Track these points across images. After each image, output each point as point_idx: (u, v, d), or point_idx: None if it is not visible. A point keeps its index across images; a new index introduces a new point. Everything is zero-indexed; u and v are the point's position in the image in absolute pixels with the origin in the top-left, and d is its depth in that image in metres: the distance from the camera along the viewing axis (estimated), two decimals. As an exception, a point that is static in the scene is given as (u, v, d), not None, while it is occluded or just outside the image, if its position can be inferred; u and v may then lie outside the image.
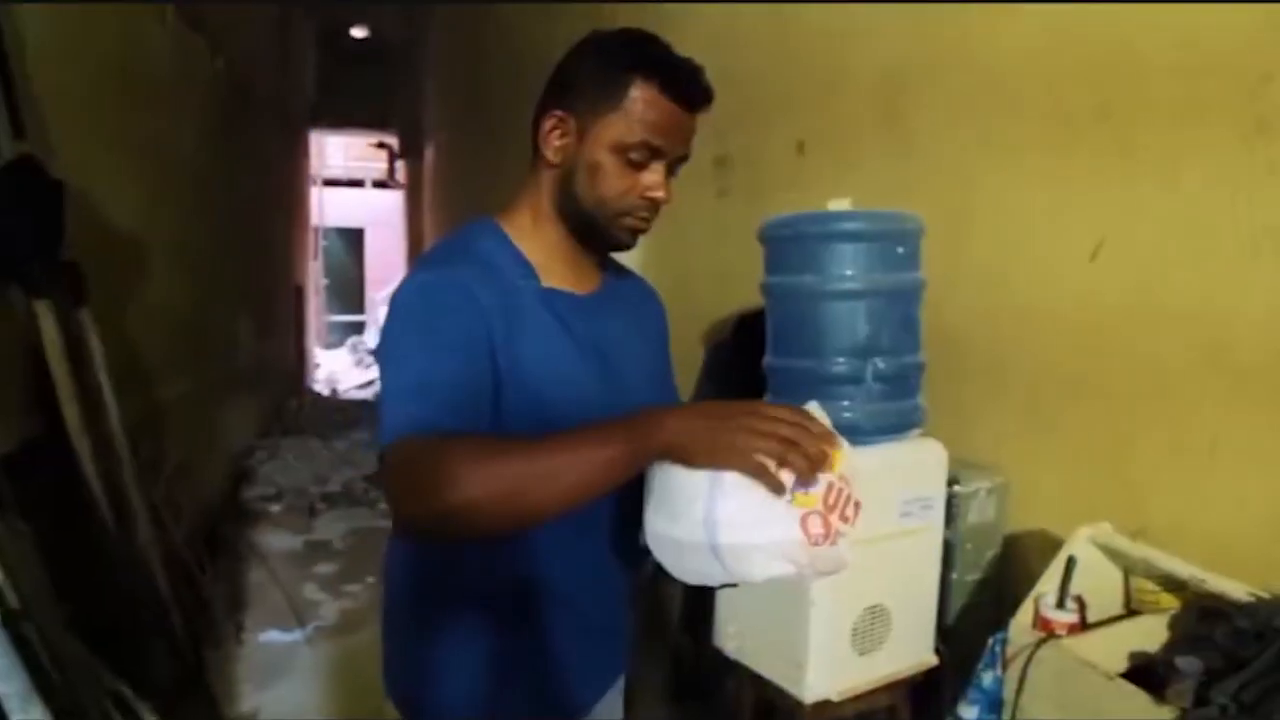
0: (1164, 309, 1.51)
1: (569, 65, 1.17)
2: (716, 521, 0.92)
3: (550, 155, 1.16)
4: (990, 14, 1.84)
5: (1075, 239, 1.64)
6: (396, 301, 1.10)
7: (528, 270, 1.17)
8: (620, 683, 1.38)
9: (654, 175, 1.13)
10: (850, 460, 0.95)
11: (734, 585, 1.02)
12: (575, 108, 1.13)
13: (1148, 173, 1.53)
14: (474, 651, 1.19)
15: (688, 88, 1.12)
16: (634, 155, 1.11)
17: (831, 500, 0.91)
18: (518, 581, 1.18)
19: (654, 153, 1.12)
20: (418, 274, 1.13)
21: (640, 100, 1.10)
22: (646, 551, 1.08)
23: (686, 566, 0.99)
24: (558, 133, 1.15)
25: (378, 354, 1.11)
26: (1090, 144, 1.63)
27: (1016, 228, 1.80)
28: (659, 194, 1.14)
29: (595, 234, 1.17)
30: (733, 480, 0.92)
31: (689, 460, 0.93)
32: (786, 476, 0.90)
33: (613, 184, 1.12)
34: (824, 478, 0.91)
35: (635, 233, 1.17)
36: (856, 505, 0.94)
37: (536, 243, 1.19)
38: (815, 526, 0.90)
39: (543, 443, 0.95)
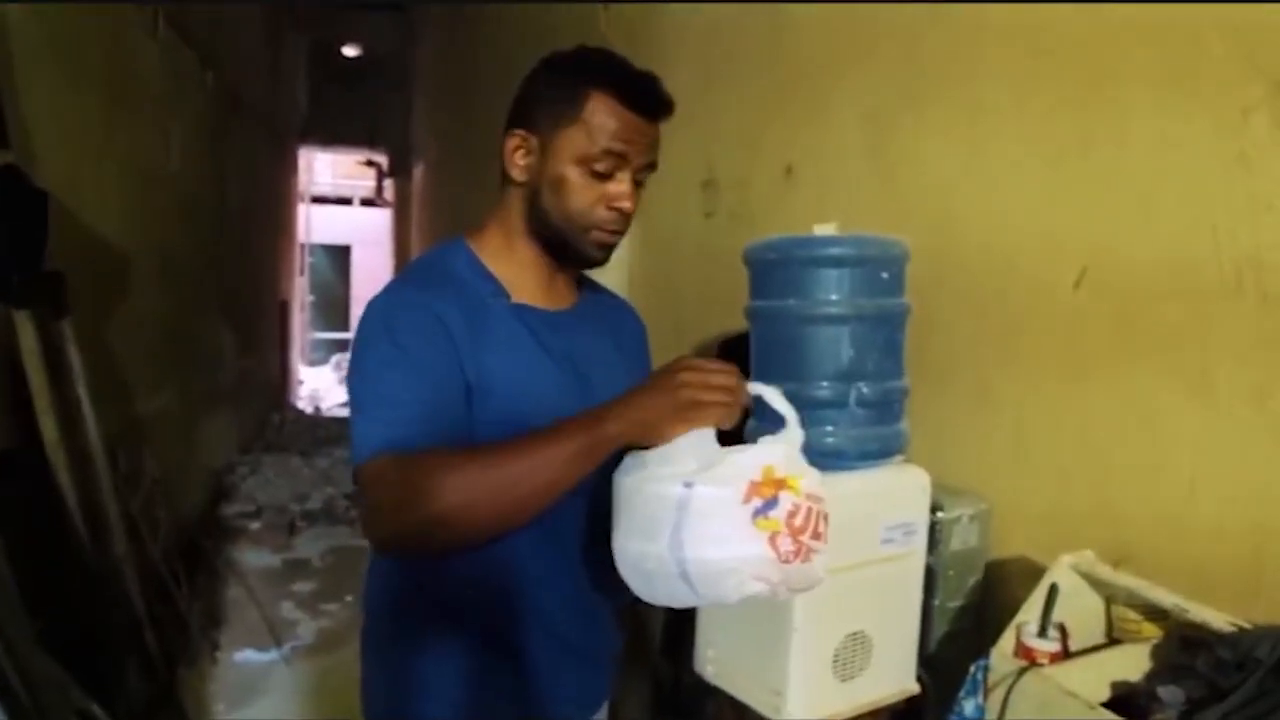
0: (1146, 338, 1.52)
1: (527, 86, 1.20)
2: (683, 545, 0.92)
3: (516, 175, 1.18)
4: (975, 44, 1.86)
5: (1059, 266, 1.65)
6: (362, 324, 1.12)
7: (496, 287, 1.18)
8: (604, 709, 1.37)
9: (619, 185, 1.14)
10: (813, 479, 0.96)
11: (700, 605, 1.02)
12: (536, 125, 1.16)
13: (1130, 203, 1.54)
14: (452, 673, 1.18)
15: (644, 95, 1.14)
16: (598, 166, 1.12)
17: (799, 522, 0.91)
18: (498, 604, 1.17)
19: (617, 161, 1.13)
20: (381, 296, 1.15)
21: (598, 110, 1.12)
22: None
23: (656, 590, 1.00)
24: (521, 151, 1.17)
25: (347, 375, 1.12)
26: (1073, 174, 1.64)
27: (1001, 254, 1.81)
28: (625, 204, 1.14)
29: (566, 249, 1.18)
30: (699, 502, 0.92)
31: (646, 441, 0.98)
32: (753, 501, 0.91)
33: (579, 197, 1.14)
34: (786, 499, 0.91)
35: (604, 246, 1.18)
36: (825, 519, 0.94)
37: (507, 261, 1.20)
38: (785, 545, 0.90)
39: (506, 448, 1.00)
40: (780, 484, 0.93)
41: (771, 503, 0.92)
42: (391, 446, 1.00)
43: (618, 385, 1.27)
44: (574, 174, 1.13)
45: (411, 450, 0.99)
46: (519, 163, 1.17)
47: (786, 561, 0.91)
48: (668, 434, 0.97)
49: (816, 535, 0.93)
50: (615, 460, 1.06)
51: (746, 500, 0.92)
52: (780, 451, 0.98)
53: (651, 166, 1.18)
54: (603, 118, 1.12)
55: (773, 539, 0.90)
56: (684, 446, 0.99)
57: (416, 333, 1.08)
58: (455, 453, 1.01)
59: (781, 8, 2.52)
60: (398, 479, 0.97)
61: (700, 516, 0.92)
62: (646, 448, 1.00)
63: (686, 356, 1.01)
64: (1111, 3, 1.56)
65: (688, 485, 0.93)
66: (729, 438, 1.03)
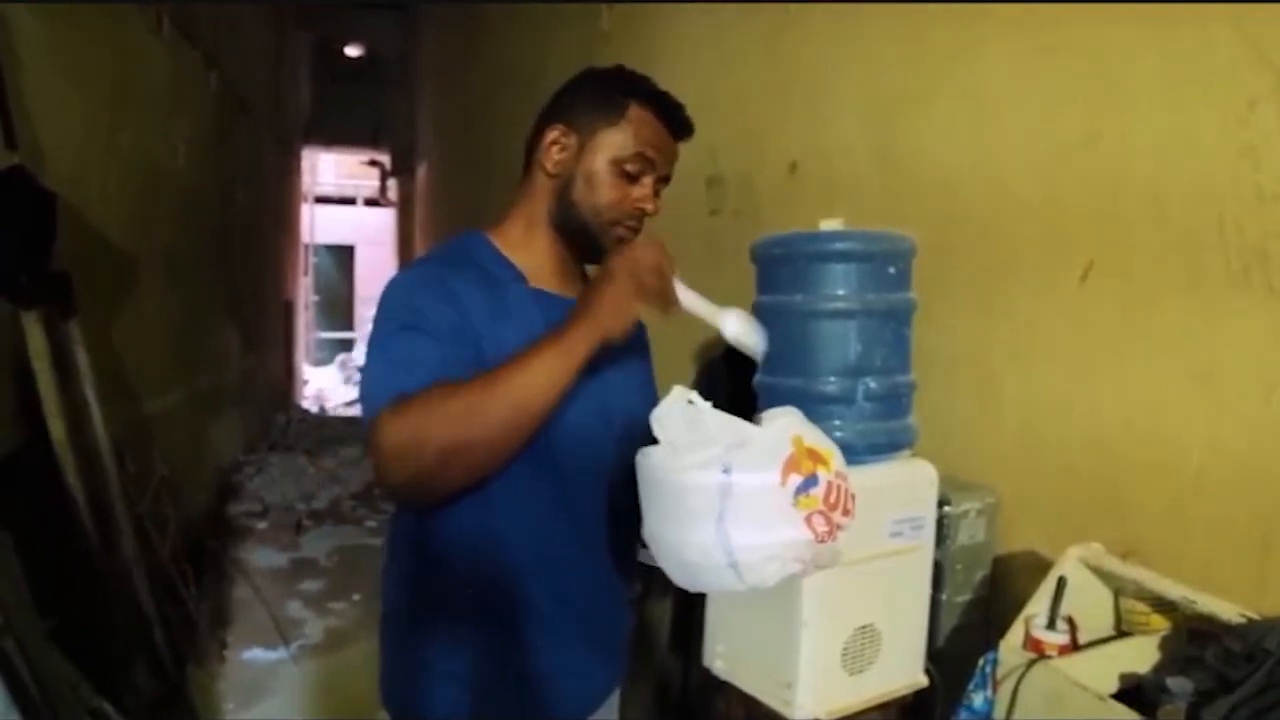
0: (1152, 332, 1.52)
1: (569, 90, 1.30)
2: (729, 534, 0.95)
3: (549, 166, 1.26)
4: (979, 38, 1.86)
5: (1065, 261, 1.66)
6: (381, 300, 1.18)
7: (515, 273, 1.26)
8: (615, 696, 1.40)
9: (644, 189, 1.26)
10: (839, 455, 0.97)
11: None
12: (575, 124, 1.25)
13: (1136, 197, 1.54)
14: (471, 656, 1.22)
15: (675, 115, 1.27)
16: (629, 167, 1.23)
17: (832, 499, 0.95)
18: (517, 588, 1.21)
19: (645, 166, 1.24)
20: (400, 275, 1.23)
21: (636, 118, 1.23)
22: (644, 568, 1.10)
23: (699, 579, 1.03)
24: (558, 146, 1.26)
25: (366, 349, 1.19)
26: (1080, 167, 1.64)
27: (1008, 248, 1.81)
28: (648, 205, 1.27)
29: (587, 241, 1.27)
30: (741, 489, 0.94)
31: (611, 335, 1.08)
32: (792, 479, 0.94)
33: (607, 193, 1.24)
34: (823, 477, 0.94)
35: (622, 242, 1.27)
36: (853, 498, 0.97)
37: (526, 251, 1.29)
38: (820, 525, 0.93)
39: (488, 374, 1.07)
40: (816, 458, 0.96)
41: (811, 480, 0.94)
42: (392, 398, 1.05)
43: (624, 370, 1.34)
44: (606, 171, 1.23)
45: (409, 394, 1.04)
46: (555, 156, 1.26)
47: (822, 541, 0.93)
48: (627, 324, 1.08)
49: (846, 512, 0.97)
50: (633, 447, 1.08)
51: (785, 480, 0.93)
52: (800, 420, 1.00)
53: (667, 180, 1.30)
54: (639, 125, 1.23)
55: (809, 519, 0.93)
56: (694, 423, 1.00)
57: (431, 303, 1.14)
58: (444, 388, 1.05)
59: (785, 5, 2.52)
60: (400, 425, 1.02)
61: (744, 503, 0.94)
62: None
63: (619, 252, 1.12)
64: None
65: (726, 471, 0.94)
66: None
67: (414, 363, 1.08)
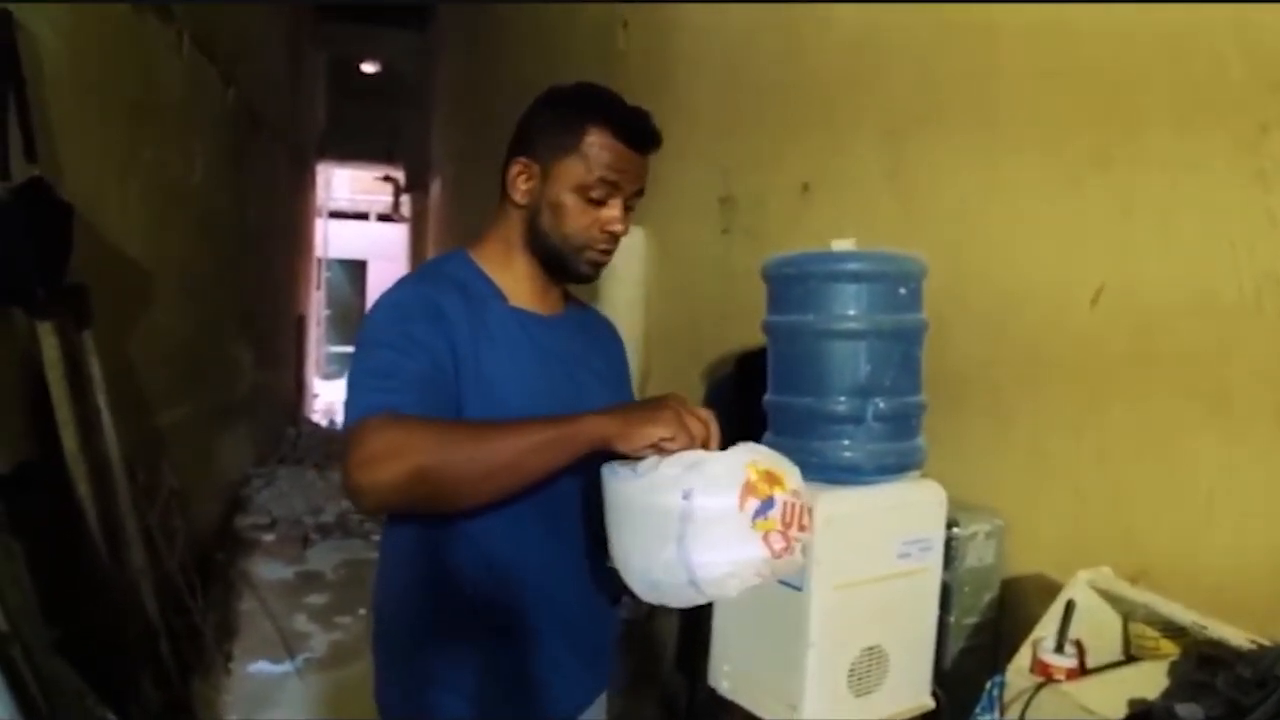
0: (1164, 355, 1.52)
1: (530, 118, 1.31)
2: (689, 554, 0.98)
3: (517, 198, 1.29)
4: (990, 63, 1.87)
5: (1076, 284, 1.66)
6: (370, 315, 1.21)
7: (495, 290, 1.29)
8: (604, 697, 1.42)
9: (612, 210, 1.25)
10: (795, 475, 1.04)
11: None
12: (537, 154, 1.26)
13: (1148, 221, 1.54)
14: (463, 663, 1.25)
15: (637, 131, 1.25)
16: (593, 193, 1.23)
17: (788, 517, 1.00)
18: (506, 595, 1.23)
19: (610, 189, 1.24)
20: (389, 291, 1.25)
21: (595, 144, 1.23)
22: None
23: (663, 595, 1.06)
24: (523, 177, 1.28)
25: (351, 361, 1.21)
26: (1091, 192, 1.65)
27: (1018, 271, 1.81)
28: (617, 228, 1.26)
29: (561, 266, 1.29)
30: (701, 513, 0.98)
31: (613, 443, 1.04)
32: (750, 504, 0.98)
33: (575, 220, 1.25)
34: (779, 498, 0.99)
35: (596, 265, 1.29)
36: (810, 512, 1.02)
37: (505, 271, 1.31)
38: (777, 543, 1.00)
39: (491, 423, 1.09)
40: (772, 481, 1.00)
41: (768, 504, 0.98)
42: (384, 409, 1.06)
43: (602, 387, 1.35)
44: (571, 200, 1.23)
45: (403, 413, 1.06)
46: (521, 187, 1.27)
47: (779, 557, 0.98)
48: (633, 443, 1.03)
49: (802, 527, 1.02)
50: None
51: (744, 504, 0.98)
52: (756, 448, 1.05)
53: (640, 193, 1.29)
54: (599, 150, 1.22)
55: (767, 537, 0.98)
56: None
57: (418, 323, 1.16)
58: (436, 420, 1.08)
59: (799, 29, 2.54)
60: (389, 432, 1.03)
61: (703, 526, 0.98)
62: (617, 455, 1.07)
63: (677, 394, 1.09)
64: (1128, 2, 1.57)
65: (686, 496, 0.98)
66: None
67: (397, 375, 1.11)
